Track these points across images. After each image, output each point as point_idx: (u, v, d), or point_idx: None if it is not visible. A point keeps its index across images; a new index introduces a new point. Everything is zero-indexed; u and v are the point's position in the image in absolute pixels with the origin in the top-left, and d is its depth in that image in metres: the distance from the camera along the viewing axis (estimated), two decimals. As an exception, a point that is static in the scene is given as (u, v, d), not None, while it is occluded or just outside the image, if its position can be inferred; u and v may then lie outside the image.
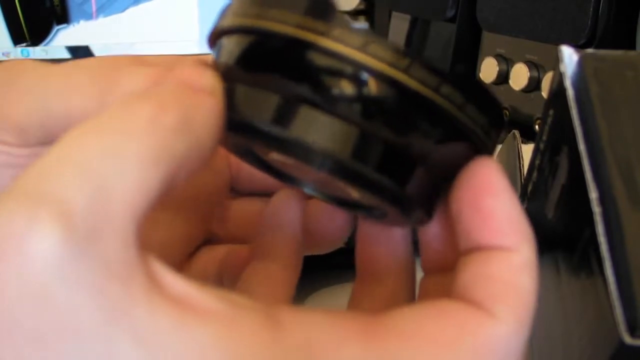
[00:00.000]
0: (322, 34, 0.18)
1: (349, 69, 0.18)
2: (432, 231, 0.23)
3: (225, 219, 0.29)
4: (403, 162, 0.19)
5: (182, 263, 0.28)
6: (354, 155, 0.18)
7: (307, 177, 0.23)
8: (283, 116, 0.18)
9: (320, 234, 0.26)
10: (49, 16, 0.77)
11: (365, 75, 0.18)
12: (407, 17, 0.69)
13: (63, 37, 0.78)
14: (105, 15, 0.78)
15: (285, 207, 0.25)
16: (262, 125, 0.19)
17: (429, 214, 0.21)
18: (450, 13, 0.63)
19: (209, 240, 0.29)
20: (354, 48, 0.18)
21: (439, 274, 0.23)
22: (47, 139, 0.22)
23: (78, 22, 0.78)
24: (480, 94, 0.19)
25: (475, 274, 0.19)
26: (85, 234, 0.15)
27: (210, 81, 0.20)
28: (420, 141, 0.18)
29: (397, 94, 0.18)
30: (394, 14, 0.71)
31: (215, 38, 0.21)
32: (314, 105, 0.18)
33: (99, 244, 0.15)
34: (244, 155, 0.24)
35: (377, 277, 0.24)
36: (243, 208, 0.29)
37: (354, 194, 0.21)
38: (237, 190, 0.29)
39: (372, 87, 0.18)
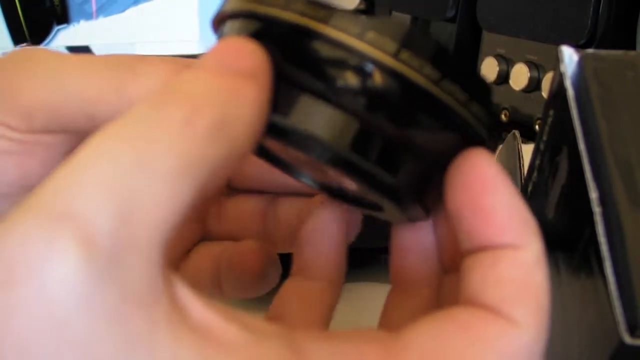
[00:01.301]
0: (324, 22, 0.18)
1: (350, 59, 0.17)
2: (443, 229, 0.22)
3: (221, 217, 0.29)
4: (399, 155, 0.19)
5: (178, 261, 0.28)
6: (350, 146, 0.18)
7: (305, 166, 0.23)
8: (282, 103, 0.18)
9: None
10: (49, 16, 0.77)
11: (366, 66, 0.17)
12: (407, 17, 0.69)
13: (63, 37, 0.78)
14: (105, 15, 0.78)
15: (329, 222, 0.23)
16: None
17: (425, 210, 0.20)
18: (450, 13, 0.63)
19: (205, 237, 0.29)
20: (356, 37, 0.17)
21: (455, 273, 0.22)
22: (53, 126, 0.22)
23: (78, 22, 0.78)
24: (480, 89, 0.19)
25: (486, 276, 0.18)
26: (108, 257, 0.14)
27: (254, 60, 0.17)
28: (418, 135, 0.18)
29: (398, 87, 0.18)
30: (394, 13, 0.71)
31: (218, 22, 0.20)
32: (314, 93, 0.18)
33: (123, 268, 0.14)
34: None
35: (412, 288, 0.23)
36: (239, 205, 0.29)
37: (351, 185, 0.21)
38: (232, 188, 0.29)
39: (373, 78, 0.17)
